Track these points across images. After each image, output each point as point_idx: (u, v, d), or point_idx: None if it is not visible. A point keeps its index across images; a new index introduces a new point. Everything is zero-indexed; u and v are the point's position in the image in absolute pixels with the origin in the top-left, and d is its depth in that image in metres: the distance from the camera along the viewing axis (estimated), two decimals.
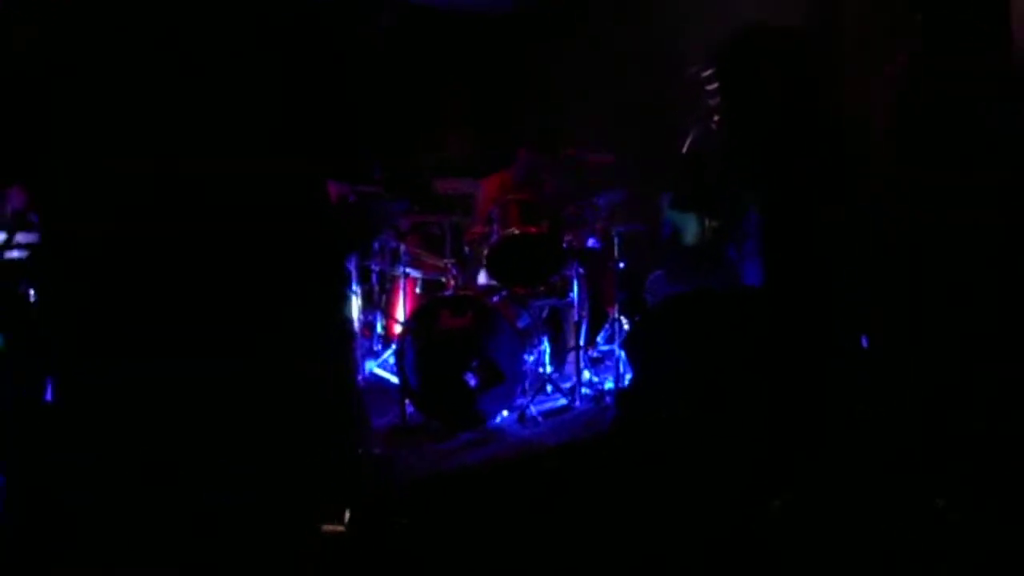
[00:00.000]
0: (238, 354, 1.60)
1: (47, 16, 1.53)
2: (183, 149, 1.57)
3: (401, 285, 4.90)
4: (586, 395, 4.41)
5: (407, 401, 4.14)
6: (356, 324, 4.99)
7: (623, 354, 4.43)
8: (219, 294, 1.60)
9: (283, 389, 1.66)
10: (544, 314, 4.68)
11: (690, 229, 5.04)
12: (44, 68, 1.54)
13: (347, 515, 1.57)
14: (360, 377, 4.68)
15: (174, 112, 1.56)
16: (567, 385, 4.46)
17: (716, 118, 4.54)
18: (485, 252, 4.43)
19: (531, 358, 4.23)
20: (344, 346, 1.94)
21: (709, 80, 4.61)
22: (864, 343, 3.64)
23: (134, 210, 1.56)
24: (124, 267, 1.57)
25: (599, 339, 5.03)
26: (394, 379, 4.34)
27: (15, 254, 2.78)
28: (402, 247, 4.85)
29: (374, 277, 5.24)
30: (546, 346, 4.48)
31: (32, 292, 2.58)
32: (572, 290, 4.53)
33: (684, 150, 4.80)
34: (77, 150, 1.56)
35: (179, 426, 1.56)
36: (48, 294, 1.71)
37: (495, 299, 4.23)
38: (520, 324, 4.18)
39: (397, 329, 4.85)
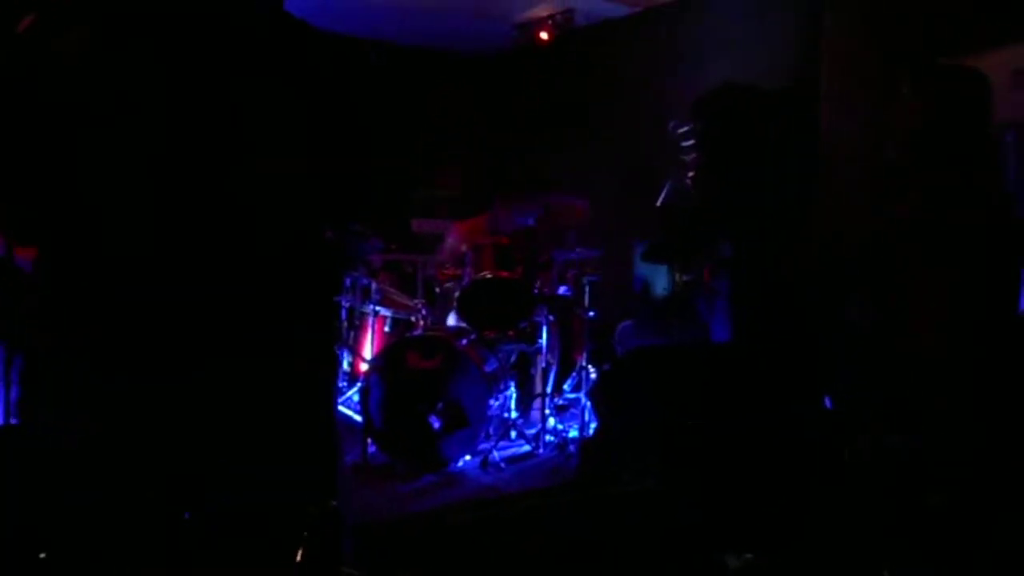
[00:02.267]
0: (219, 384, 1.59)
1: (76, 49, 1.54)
2: (188, 171, 1.57)
3: (370, 323, 4.87)
4: (550, 443, 4.38)
5: (370, 440, 4.09)
6: None
7: (589, 403, 4.42)
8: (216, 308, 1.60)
9: (265, 423, 1.64)
10: (512, 359, 4.67)
11: (661, 282, 5.08)
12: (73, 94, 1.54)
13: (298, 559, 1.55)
14: None
15: (186, 137, 1.56)
16: (532, 432, 4.43)
17: (691, 173, 4.61)
18: (457, 294, 4.43)
19: (497, 403, 4.21)
20: (330, 381, 1.94)
21: (685, 136, 4.69)
22: (828, 403, 3.66)
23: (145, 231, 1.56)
24: (127, 283, 1.56)
25: (566, 387, 5.01)
26: (358, 417, 4.30)
27: None
28: (373, 284, 4.83)
29: (343, 313, 5.21)
30: (512, 391, 4.47)
31: None
32: (541, 336, 4.53)
33: (658, 203, 4.86)
34: (91, 175, 1.55)
35: (149, 440, 1.55)
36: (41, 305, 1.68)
37: (464, 342, 4.22)
38: (488, 368, 4.16)
39: (364, 367, 4.81)
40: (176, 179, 1.55)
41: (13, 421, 2.47)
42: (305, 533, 1.56)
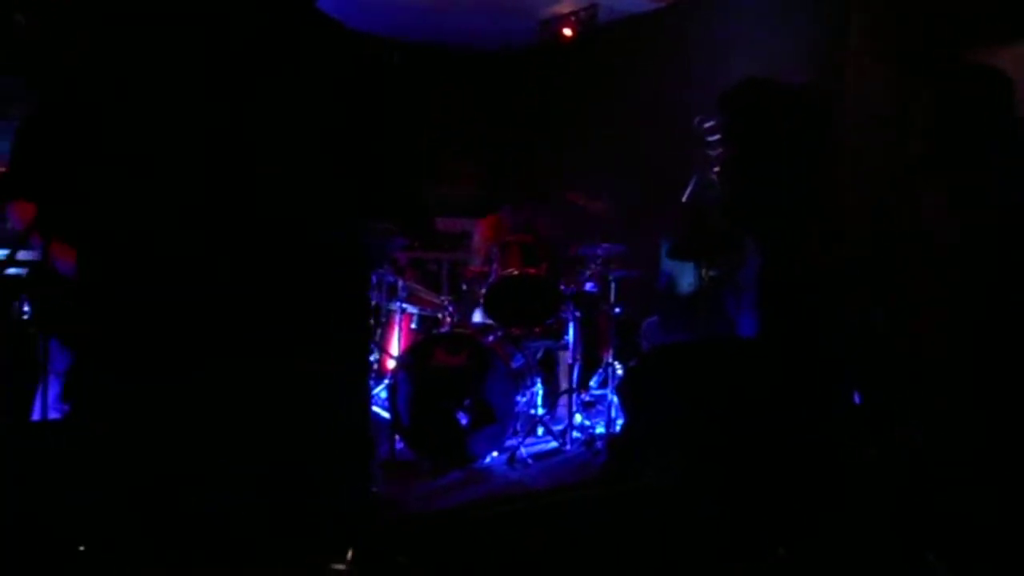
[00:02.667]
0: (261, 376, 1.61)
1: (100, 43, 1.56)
2: (215, 166, 1.58)
3: (397, 320, 4.89)
4: (577, 439, 4.39)
5: (397, 437, 4.11)
6: None
7: (616, 399, 4.42)
8: (247, 307, 1.61)
9: (304, 420, 1.66)
10: (538, 356, 4.68)
11: (687, 278, 5.06)
12: (94, 92, 1.56)
13: (350, 554, 1.57)
14: None
15: (210, 135, 1.58)
16: (558, 428, 4.44)
17: (716, 169, 4.59)
18: (483, 291, 4.44)
19: (523, 399, 4.22)
20: (363, 377, 1.95)
21: (711, 131, 4.67)
22: (857, 399, 3.63)
23: (171, 230, 1.57)
24: (158, 281, 1.58)
25: (592, 383, 5.02)
26: (385, 414, 4.32)
27: (12, 271, 2.79)
28: (400, 282, 4.86)
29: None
30: (539, 388, 4.47)
31: (27, 309, 2.58)
32: (567, 333, 4.53)
33: (684, 199, 4.84)
34: (122, 166, 1.57)
35: (186, 439, 1.57)
36: (72, 306, 1.71)
37: (490, 338, 4.23)
38: (514, 365, 4.17)
39: (391, 364, 4.83)
40: (201, 178, 1.57)
41: (52, 415, 2.51)
42: (356, 523, 1.58)
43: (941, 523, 2.38)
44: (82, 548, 1.69)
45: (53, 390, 2.49)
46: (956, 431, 2.55)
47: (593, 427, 4.56)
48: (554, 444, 4.36)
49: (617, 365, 4.72)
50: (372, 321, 5.20)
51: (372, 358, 5.18)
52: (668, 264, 5.27)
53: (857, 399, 3.61)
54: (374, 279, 5.10)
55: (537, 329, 4.52)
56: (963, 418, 2.53)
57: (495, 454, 4.09)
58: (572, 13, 6.17)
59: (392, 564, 1.70)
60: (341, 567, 1.51)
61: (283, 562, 1.58)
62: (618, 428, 4.39)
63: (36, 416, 2.71)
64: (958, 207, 2.56)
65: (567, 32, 6.23)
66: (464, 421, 4.01)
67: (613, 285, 4.61)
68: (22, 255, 2.64)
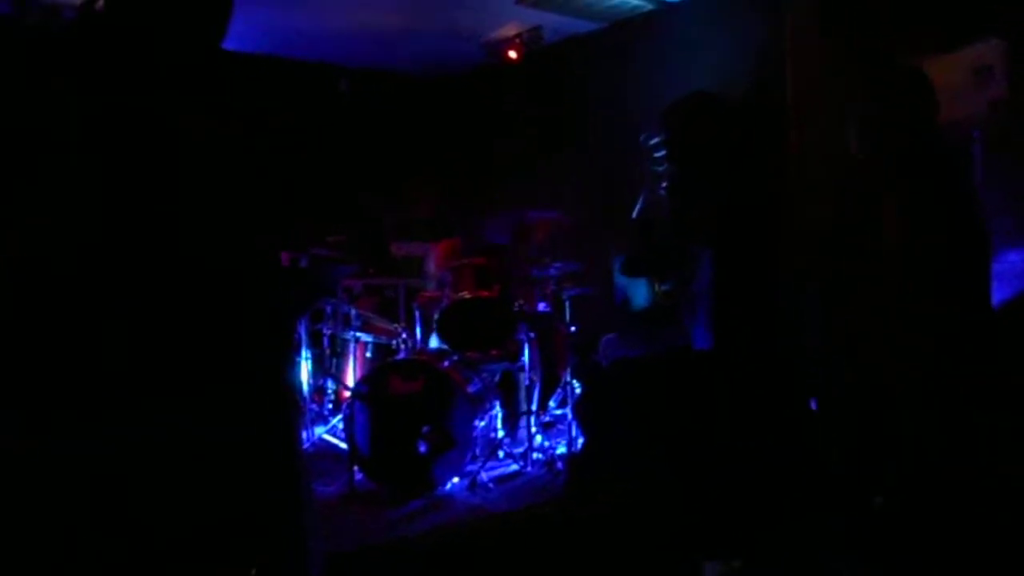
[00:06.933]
0: (165, 422, 1.54)
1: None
2: (130, 204, 1.53)
3: (352, 349, 4.85)
4: (538, 460, 4.37)
5: (356, 467, 4.06)
6: (306, 389, 4.92)
7: (575, 418, 4.41)
8: (154, 354, 1.55)
9: (214, 465, 1.59)
10: (496, 378, 4.65)
11: (641, 293, 5.09)
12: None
13: None
14: (308, 443, 4.59)
15: (122, 168, 1.52)
16: (519, 450, 4.42)
17: (664, 184, 4.63)
18: (436, 316, 4.42)
19: (482, 423, 4.19)
20: (285, 417, 1.85)
21: (657, 148, 4.72)
22: (814, 406, 3.66)
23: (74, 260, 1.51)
24: (59, 317, 1.51)
25: (551, 403, 5.00)
26: (343, 445, 4.27)
27: None
28: (353, 311, 4.82)
29: (325, 341, 5.19)
30: (498, 411, 4.45)
31: None
32: (524, 354, 4.52)
33: (634, 215, 4.88)
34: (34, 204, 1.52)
35: (88, 501, 1.49)
36: None
37: (446, 364, 4.20)
38: (471, 389, 4.15)
39: (347, 394, 4.78)
40: (111, 221, 1.51)
41: None
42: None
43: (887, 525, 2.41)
44: None
45: None
46: (913, 435, 2.58)
47: (554, 447, 4.55)
48: (515, 467, 4.33)
49: (575, 384, 4.72)
50: (328, 351, 5.15)
51: (329, 389, 5.13)
52: (622, 280, 5.29)
53: (813, 405, 3.64)
54: (328, 309, 5.06)
55: (494, 352, 4.50)
56: (920, 422, 2.56)
57: (456, 480, 4.05)
58: (517, 35, 6.20)
59: None
60: None
61: None
62: (578, 447, 4.38)
63: None
64: (900, 210, 2.60)
65: (512, 54, 6.25)
66: (423, 448, 3.97)
67: (568, 303, 4.61)
68: None
